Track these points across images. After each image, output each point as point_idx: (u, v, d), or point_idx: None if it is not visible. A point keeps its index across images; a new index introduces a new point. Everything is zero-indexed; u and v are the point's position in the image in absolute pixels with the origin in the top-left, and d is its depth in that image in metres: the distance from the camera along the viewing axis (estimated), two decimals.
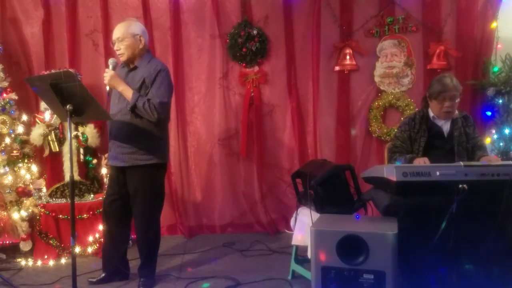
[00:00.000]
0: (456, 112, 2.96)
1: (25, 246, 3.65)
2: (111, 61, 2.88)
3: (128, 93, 2.80)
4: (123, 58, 2.91)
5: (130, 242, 3.77)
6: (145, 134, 2.86)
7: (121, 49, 2.87)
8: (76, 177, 3.72)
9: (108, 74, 2.80)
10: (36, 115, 3.88)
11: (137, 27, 2.92)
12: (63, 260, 3.58)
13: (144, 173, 2.90)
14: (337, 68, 4.40)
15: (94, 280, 3.05)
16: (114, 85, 2.81)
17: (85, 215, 3.64)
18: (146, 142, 2.87)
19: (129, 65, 2.95)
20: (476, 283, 2.38)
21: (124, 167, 2.91)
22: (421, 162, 2.70)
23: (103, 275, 3.06)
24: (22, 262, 3.53)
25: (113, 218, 3.01)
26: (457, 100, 2.89)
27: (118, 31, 2.88)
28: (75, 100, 2.59)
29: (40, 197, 3.79)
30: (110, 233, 3.03)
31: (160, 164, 2.96)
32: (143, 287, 2.96)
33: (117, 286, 3.03)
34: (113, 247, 3.04)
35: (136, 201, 2.94)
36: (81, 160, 3.83)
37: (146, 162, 2.88)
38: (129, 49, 2.87)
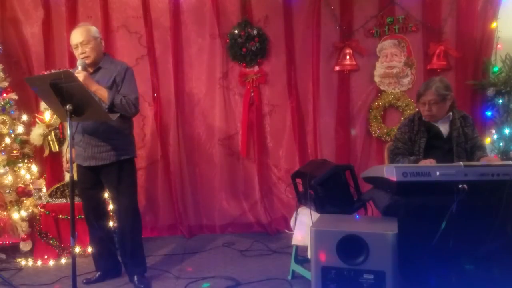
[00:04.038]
0: (450, 113, 2.95)
1: (25, 246, 3.66)
2: (80, 62, 2.87)
3: (102, 92, 2.84)
4: (89, 61, 2.92)
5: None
6: (118, 131, 2.95)
7: (87, 52, 2.90)
8: (76, 177, 3.72)
9: (81, 75, 2.77)
10: (36, 115, 3.88)
11: (95, 30, 3.01)
12: (63, 260, 3.58)
13: (122, 168, 2.98)
14: (337, 68, 4.40)
15: (90, 279, 3.10)
16: (88, 85, 2.79)
17: None
18: (120, 138, 2.97)
19: (89, 69, 2.96)
20: (476, 283, 2.38)
21: (99, 167, 2.95)
22: (427, 163, 2.66)
23: (98, 274, 3.12)
24: (22, 262, 3.53)
25: (97, 220, 3.08)
26: (440, 105, 2.86)
27: (79, 36, 2.90)
28: (75, 100, 2.58)
29: (40, 197, 3.79)
30: (98, 234, 3.09)
31: (133, 159, 3.09)
32: (140, 284, 2.97)
33: (116, 286, 3.03)
34: (104, 247, 3.12)
35: (119, 198, 3.00)
36: None
37: (123, 157, 2.97)
38: (94, 51, 2.93)
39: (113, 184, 3.00)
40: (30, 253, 3.64)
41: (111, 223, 3.29)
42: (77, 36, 2.91)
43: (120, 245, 3.12)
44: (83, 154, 2.98)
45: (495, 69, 4.18)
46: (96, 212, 3.09)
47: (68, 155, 3.11)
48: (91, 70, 2.97)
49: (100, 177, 3.02)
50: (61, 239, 3.66)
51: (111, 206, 3.56)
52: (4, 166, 3.60)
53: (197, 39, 4.37)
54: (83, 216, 3.60)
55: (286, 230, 4.26)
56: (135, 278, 3.00)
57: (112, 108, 2.83)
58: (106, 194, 3.19)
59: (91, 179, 3.03)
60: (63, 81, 2.52)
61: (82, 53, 2.90)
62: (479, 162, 2.75)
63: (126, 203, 3.00)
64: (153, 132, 4.33)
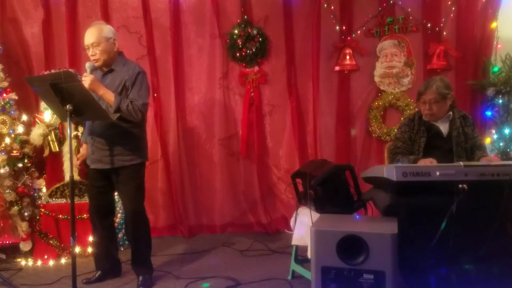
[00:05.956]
0: (450, 113, 2.95)
1: (25, 246, 3.65)
2: (88, 65, 2.85)
3: (109, 96, 2.79)
4: (98, 64, 2.89)
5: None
6: (127, 135, 2.91)
7: (97, 54, 2.85)
8: (76, 177, 3.72)
9: (88, 78, 2.75)
10: (36, 115, 3.87)
11: (109, 30, 2.93)
12: (63, 260, 3.58)
13: (130, 172, 2.95)
14: (337, 68, 4.40)
15: (90, 279, 3.09)
16: (95, 88, 2.78)
17: (85, 215, 3.63)
18: (129, 143, 2.92)
19: (103, 69, 2.94)
20: (476, 283, 2.38)
21: (109, 169, 2.93)
22: (427, 162, 2.66)
23: (98, 273, 3.12)
24: (22, 262, 3.53)
25: (101, 220, 3.07)
26: (440, 104, 2.87)
27: (91, 37, 2.85)
28: (75, 100, 2.59)
29: (40, 197, 3.79)
30: (100, 234, 3.09)
31: (144, 163, 3.06)
32: (142, 286, 2.97)
33: (117, 286, 3.04)
34: (105, 247, 3.11)
35: (126, 201, 3.01)
36: None
37: (132, 162, 2.94)
38: (105, 53, 2.87)
39: (119, 187, 3.00)
40: (30, 253, 3.64)
41: (114, 224, 3.29)
42: (88, 37, 2.86)
43: (130, 245, 3.14)
44: (91, 156, 2.98)
45: (495, 69, 4.18)
46: (101, 212, 3.07)
47: (82, 151, 3.14)
48: (105, 69, 2.93)
49: (110, 178, 3.01)
50: (61, 239, 3.66)
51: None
52: (4, 166, 3.59)
53: (197, 39, 4.38)
54: (83, 216, 3.63)
55: (286, 230, 4.27)
56: (140, 278, 3.01)
57: (118, 112, 2.80)
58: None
59: (99, 180, 3.02)
60: (63, 81, 2.53)
61: (92, 55, 2.87)
62: (479, 162, 2.75)
63: (132, 207, 2.99)
64: (153, 132, 4.33)
